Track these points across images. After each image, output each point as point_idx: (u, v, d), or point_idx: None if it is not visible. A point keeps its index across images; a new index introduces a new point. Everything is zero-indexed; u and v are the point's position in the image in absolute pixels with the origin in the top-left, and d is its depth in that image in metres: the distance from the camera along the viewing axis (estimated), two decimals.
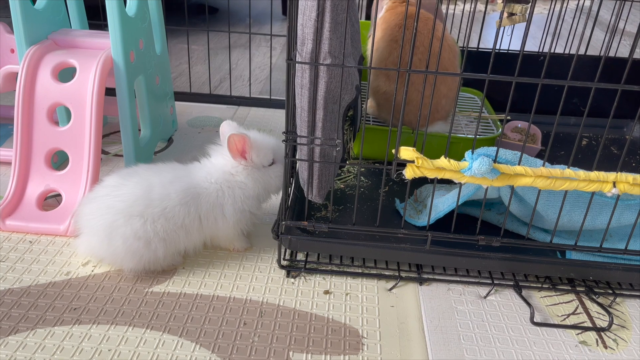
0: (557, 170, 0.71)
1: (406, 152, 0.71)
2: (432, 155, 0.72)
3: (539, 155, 1.18)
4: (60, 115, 1.05)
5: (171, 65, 1.68)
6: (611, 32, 1.28)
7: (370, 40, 1.12)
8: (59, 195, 0.93)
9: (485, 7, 0.87)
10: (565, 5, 2.18)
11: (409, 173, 0.72)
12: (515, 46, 1.44)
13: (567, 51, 1.42)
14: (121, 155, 1.12)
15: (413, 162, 0.71)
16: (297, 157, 0.79)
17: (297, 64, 0.71)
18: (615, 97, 0.69)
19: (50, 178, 0.91)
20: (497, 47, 0.67)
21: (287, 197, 0.81)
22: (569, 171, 0.71)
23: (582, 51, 1.41)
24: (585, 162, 1.18)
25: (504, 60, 1.34)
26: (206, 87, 1.53)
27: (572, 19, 1.41)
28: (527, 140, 1.20)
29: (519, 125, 1.27)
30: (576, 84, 0.69)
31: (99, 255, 0.78)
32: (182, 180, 0.79)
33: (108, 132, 1.22)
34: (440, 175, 0.72)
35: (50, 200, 0.95)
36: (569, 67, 0.69)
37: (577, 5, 1.47)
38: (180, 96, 1.41)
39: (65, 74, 0.97)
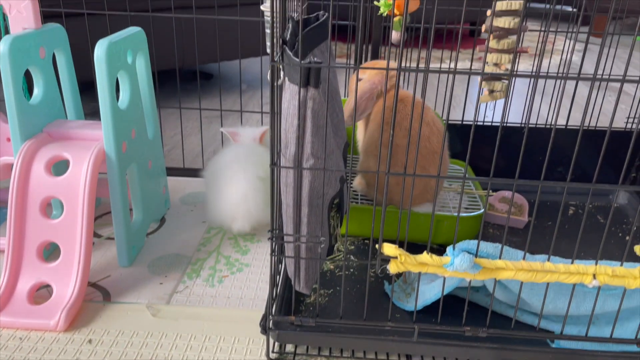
0: (538, 263, 0.72)
1: (389, 249, 0.72)
2: (419, 233, 0.74)
3: (527, 227, 1.20)
4: (54, 204, 1.07)
5: (164, 137, 1.71)
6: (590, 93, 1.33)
7: (361, 123, 1.15)
8: (47, 285, 0.93)
9: (468, 84, 0.90)
10: (549, 61, 2.24)
11: (393, 268, 0.73)
12: (498, 116, 1.48)
13: (549, 119, 1.46)
14: (113, 239, 1.13)
15: (396, 257, 0.73)
16: (284, 254, 0.80)
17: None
18: (604, 165, 0.70)
19: (41, 271, 0.92)
20: (480, 119, 0.70)
21: (273, 291, 0.82)
22: (549, 264, 0.72)
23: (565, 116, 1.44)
24: (572, 232, 1.19)
25: (489, 133, 1.38)
26: (199, 160, 1.56)
27: (557, 74, 1.45)
28: (514, 212, 1.23)
29: (507, 195, 1.30)
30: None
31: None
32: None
33: (101, 214, 1.23)
34: (424, 270, 0.74)
35: (42, 291, 0.96)
36: (556, 137, 0.72)
37: (562, 59, 1.51)
38: (173, 171, 1.43)
39: (60, 164, 1.00)
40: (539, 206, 1.28)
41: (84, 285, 0.92)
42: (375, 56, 1.30)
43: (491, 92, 1.13)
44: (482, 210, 1.09)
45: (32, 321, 0.87)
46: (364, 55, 1.29)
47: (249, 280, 1.02)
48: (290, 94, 0.71)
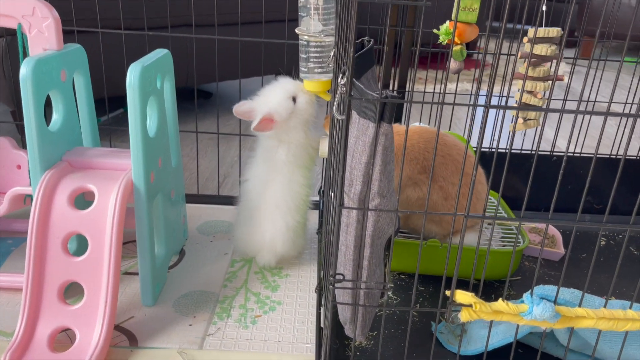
0: (620, 312, 0.68)
1: (463, 297, 0.67)
2: (461, 268, 0.69)
3: (563, 259, 1.16)
4: (70, 241, 0.99)
5: None
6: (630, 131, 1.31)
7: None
8: (69, 329, 0.85)
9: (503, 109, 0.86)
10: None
11: (464, 316, 0.68)
12: (526, 144, 1.45)
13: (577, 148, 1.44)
14: (133, 273, 1.05)
15: (470, 305, 0.67)
16: (338, 298, 0.74)
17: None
18: (628, 194, 0.68)
19: (63, 314, 0.84)
20: (510, 147, 0.66)
21: (327, 341, 0.75)
22: (631, 312, 0.68)
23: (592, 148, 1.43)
24: (607, 265, 1.16)
25: (515, 161, 1.34)
26: (210, 185, 1.49)
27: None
28: (548, 244, 1.19)
29: (537, 226, 1.26)
30: None
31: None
32: None
33: None
34: (498, 318, 0.68)
35: (60, 336, 0.87)
36: (582, 165, 0.68)
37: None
38: (188, 198, 1.36)
39: (79, 197, 0.92)
40: (569, 237, 1.25)
41: (110, 330, 0.84)
42: (404, 80, 1.26)
43: (525, 120, 1.10)
44: (524, 243, 1.05)
45: None
46: (391, 81, 1.25)
47: (284, 321, 0.95)
48: (359, 129, 0.65)
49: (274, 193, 1.04)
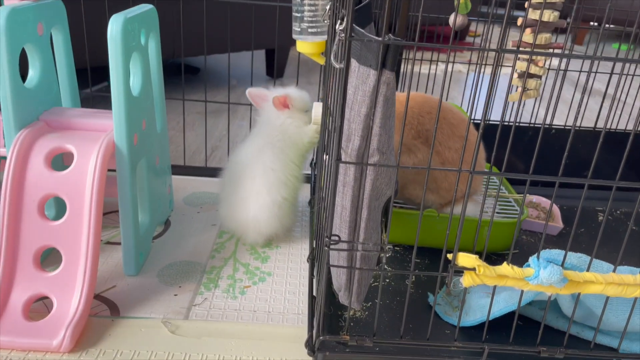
0: (630, 276, 0.64)
1: (466, 259, 0.63)
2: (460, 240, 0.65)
3: (561, 234, 1.13)
4: (48, 207, 0.94)
5: None
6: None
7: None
8: (46, 298, 0.80)
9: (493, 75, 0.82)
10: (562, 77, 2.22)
11: (467, 281, 0.64)
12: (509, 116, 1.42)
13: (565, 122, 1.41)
14: (115, 243, 1.00)
15: (473, 269, 0.64)
16: (333, 262, 0.70)
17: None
18: (626, 168, 0.65)
19: (39, 281, 0.79)
20: (515, 120, 0.63)
21: (321, 307, 0.71)
22: None
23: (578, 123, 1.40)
24: (606, 239, 1.13)
25: (509, 133, 1.31)
26: (197, 158, 1.44)
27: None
28: (546, 217, 1.16)
29: (534, 200, 1.23)
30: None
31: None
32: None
33: None
34: (502, 282, 0.65)
35: (36, 305, 0.82)
36: (580, 139, 0.64)
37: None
38: (173, 169, 1.31)
39: (58, 158, 0.87)
40: (566, 212, 1.22)
41: (89, 299, 0.79)
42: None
43: (525, 90, 1.06)
44: (523, 214, 1.01)
45: (31, 340, 0.74)
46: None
47: (274, 292, 0.91)
48: (359, 78, 0.61)
49: (263, 161, 0.99)
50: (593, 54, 0.68)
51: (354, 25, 0.59)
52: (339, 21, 0.60)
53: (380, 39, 0.55)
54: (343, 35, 0.57)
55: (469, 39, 3.62)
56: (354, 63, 0.62)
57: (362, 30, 0.58)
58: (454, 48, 0.57)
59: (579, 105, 0.61)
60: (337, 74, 0.61)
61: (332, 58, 0.61)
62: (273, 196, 0.99)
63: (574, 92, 1.28)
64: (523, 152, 1.29)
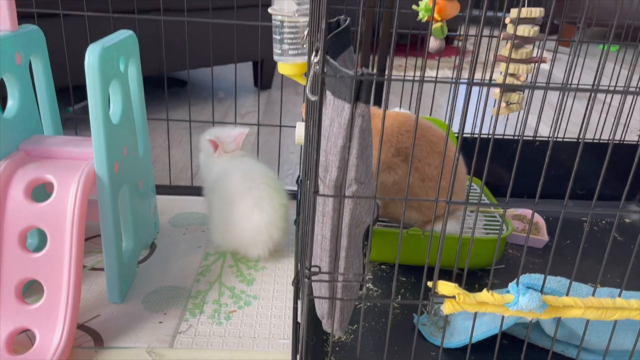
0: (609, 300, 0.65)
1: (446, 288, 0.63)
2: (443, 257, 0.65)
3: (547, 247, 1.13)
4: (30, 235, 0.93)
5: None
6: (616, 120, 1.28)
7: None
8: (28, 330, 0.80)
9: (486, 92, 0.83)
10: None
11: (448, 309, 0.64)
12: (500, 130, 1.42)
13: (557, 134, 1.41)
14: (100, 269, 1.00)
15: (453, 297, 0.64)
16: (315, 290, 0.70)
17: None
18: (611, 180, 0.65)
19: (21, 314, 0.78)
20: (491, 133, 0.63)
21: (303, 338, 0.71)
22: (620, 301, 0.65)
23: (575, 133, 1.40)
24: (591, 251, 1.14)
25: (499, 146, 1.32)
26: (183, 176, 1.44)
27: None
28: (532, 232, 1.16)
29: (519, 212, 1.23)
30: None
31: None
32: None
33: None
34: (482, 309, 0.65)
35: (20, 337, 0.82)
36: (564, 150, 0.65)
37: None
38: (159, 189, 1.30)
39: (38, 189, 0.86)
40: (553, 223, 1.22)
41: (72, 330, 0.79)
42: (383, 65, 1.21)
43: (508, 104, 1.07)
44: (507, 230, 1.02)
45: None
46: (370, 66, 1.20)
47: (260, 316, 0.90)
48: (334, 110, 0.61)
49: (258, 172, 1.06)
50: (571, 72, 0.69)
51: (328, 58, 0.60)
52: (314, 52, 0.61)
53: (353, 74, 0.55)
54: (318, 67, 0.58)
55: (455, 42, 3.63)
56: (329, 95, 0.62)
57: (336, 64, 0.58)
58: (426, 81, 0.57)
59: (554, 122, 0.62)
60: (313, 106, 0.61)
61: (307, 90, 0.61)
62: (274, 205, 1.04)
63: (559, 95, 1.28)
64: (507, 164, 1.30)
